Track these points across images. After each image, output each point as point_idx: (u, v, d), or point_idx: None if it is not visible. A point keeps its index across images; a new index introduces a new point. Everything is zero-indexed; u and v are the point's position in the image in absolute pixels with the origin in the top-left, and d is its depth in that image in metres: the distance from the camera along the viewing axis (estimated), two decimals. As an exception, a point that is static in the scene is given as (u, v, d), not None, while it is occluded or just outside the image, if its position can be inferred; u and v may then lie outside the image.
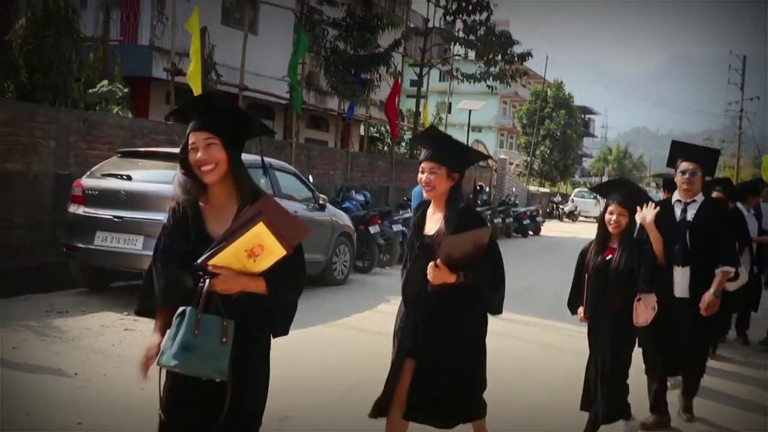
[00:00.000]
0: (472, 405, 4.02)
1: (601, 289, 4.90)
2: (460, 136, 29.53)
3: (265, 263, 2.86)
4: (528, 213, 25.65)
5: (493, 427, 4.33)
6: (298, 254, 3.00)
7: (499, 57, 23.33)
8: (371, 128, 26.46)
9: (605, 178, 60.50)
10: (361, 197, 15.55)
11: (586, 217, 37.79)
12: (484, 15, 22.90)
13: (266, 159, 10.50)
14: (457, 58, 26.21)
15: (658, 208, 5.20)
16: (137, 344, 6.80)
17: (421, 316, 3.91)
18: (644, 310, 4.81)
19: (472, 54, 24.52)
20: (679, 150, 5.74)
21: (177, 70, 13.95)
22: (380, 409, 3.99)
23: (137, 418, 4.84)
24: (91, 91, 11.47)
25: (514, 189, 31.38)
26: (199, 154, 2.90)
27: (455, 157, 3.92)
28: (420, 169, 3.92)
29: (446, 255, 3.61)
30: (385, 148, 31.00)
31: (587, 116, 73.23)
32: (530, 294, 11.60)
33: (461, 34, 23.64)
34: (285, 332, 3.20)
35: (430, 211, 4.02)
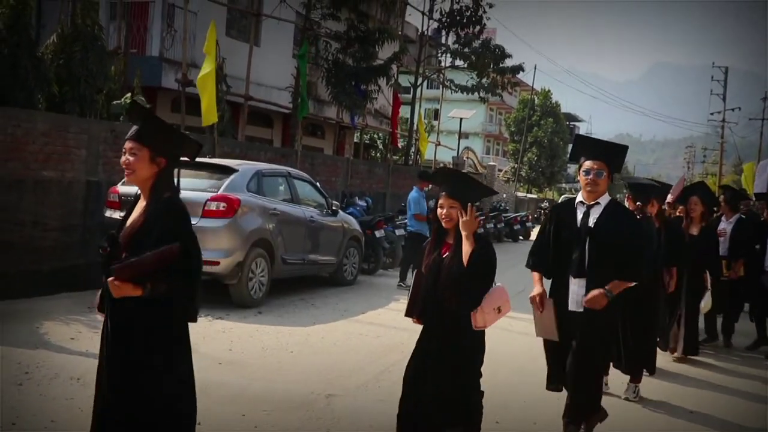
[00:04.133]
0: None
1: (434, 288, 4.42)
2: (450, 142, 30.32)
3: None
4: (518, 218, 26.52)
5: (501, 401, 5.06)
6: None
7: (491, 69, 24.15)
8: (364, 136, 27.26)
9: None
10: (363, 203, 16.27)
11: (573, 222, 38.62)
12: (477, 28, 23.74)
13: (285, 168, 11.27)
14: (448, 68, 27.00)
15: (474, 218, 4.31)
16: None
17: (110, 320, 3.51)
18: (482, 313, 4.32)
19: (462, 63, 25.34)
20: (583, 146, 5.17)
21: (188, 81, 14.63)
22: None
23: (204, 394, 5.58)
24: (115, 102, 12.13)
25: (503, 195, 32.20)
26: None
27: (161, 138, 3.55)
28: (123, 150, 3.54)
29: (128, 275, 3.27)
30: (378, 154, 31.80)
31: (572, 123, 74.35)
32: (524, 296, 12.34)
33: (454, 46, 24.47)
34: None
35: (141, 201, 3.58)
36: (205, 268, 8.77)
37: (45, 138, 9.90)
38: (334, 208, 11.45)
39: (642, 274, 5.13)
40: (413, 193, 12.59)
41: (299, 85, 17.10)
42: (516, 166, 47.54)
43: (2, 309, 8.15)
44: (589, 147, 5.13)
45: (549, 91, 50.63)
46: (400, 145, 26.37)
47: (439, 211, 4.45)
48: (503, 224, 25.05)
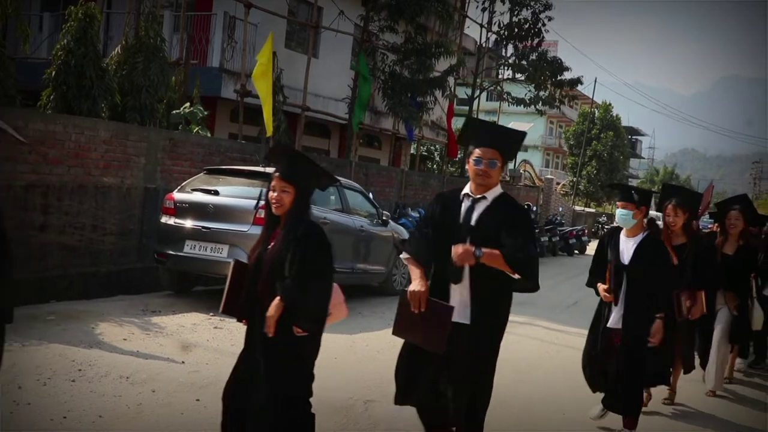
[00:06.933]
0: None
1: (255, 285, 3.99)
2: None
3: None
4: (574, 232, 26.26)
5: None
6: None
7: (549, 83, 24.09)
8: (421, 147, 27.37)
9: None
10: (416, 214, 16.38)
11: (632, 237, 38.05)
12: (536, 41, 23.73)
13: (337, 177, 11.44)
14: (506, 80, 26.99)
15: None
16: (227, 340, 7.75)
17: None
18: None
19: (520, 76, 25.33)
20: (474, 131, 4.49)
21: (246, 92, 14.99)
22: None
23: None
24: (174, 112, 12.53)
25: (560, 209, 31.94)
26: None
27: None
28: None
29: None
30: (434, 166, 31.88)
31: (634, 137, 73.29)
32: (576, 308, 12.31)
33: (512, 59, 24.50)
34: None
35: None
36: (255, 275, 9.11)
37: (106, 145, 10.29)
38: (384, 218, 11.57)
39: (530, 268, 4.13)
40: None
41: (355, 96, 17.35)
42: (574, 179, 47.05)
43: (62, 309, 8.50)
44: (481, 133, 4.43)
45: (609, 104, 50.02)
46: (458, 156, 26.41)
47: (270, 194, 4.00)
48: (558, 238, 24.87)
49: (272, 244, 3.96)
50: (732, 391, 7.75)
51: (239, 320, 4.13)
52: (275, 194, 3.95)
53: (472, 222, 4.22)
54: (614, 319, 5.68)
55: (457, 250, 4.00)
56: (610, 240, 5.90)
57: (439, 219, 4.35)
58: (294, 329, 3.86)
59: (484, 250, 4.00)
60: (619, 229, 5.90)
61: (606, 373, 5.85)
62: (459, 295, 4.22)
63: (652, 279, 5.58)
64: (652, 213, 6.26)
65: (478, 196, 4.25)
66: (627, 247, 5.75)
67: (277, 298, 3.83)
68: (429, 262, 4.34)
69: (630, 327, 5.60)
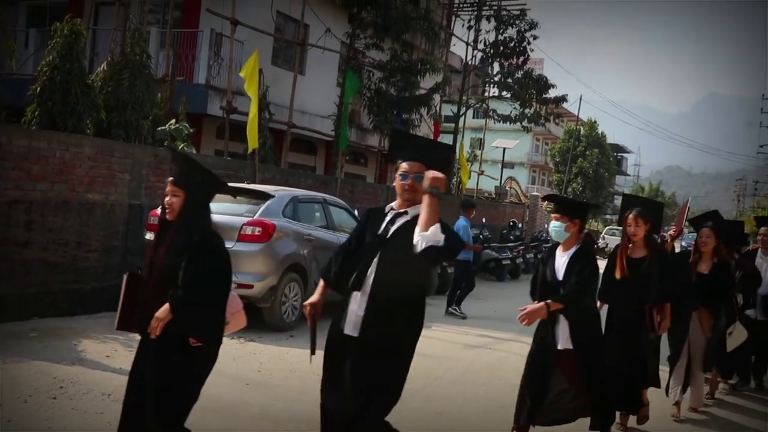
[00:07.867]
0: None
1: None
2: (493, 171, 30.48)
3: None
4: (559, 249, 26.31)
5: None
6: None
7: (535, 100, 24.32)
8: (407, 164, 27.50)
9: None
10: (401, 230, 16.36)
11: (617, 254, 38.17)
12: (521, 59, 23.95)
13: (321, 194, 11.48)
14: (492, 98, 27.18)
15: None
16: (211, 357, 7.73)
17: None
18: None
19: (506, 93, 25.55)
20: (399, 146, 4.43)
21: (233, 108, 15.02)
22: None
23: (229, 413, 5.75)
24: (160, 128, 12.53)
25: (546, 225, 32.03)
26: None
27: None
28: None
29: None
30: (420, 183, 31.99)
31: (620, 155, 73.80)
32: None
33: (498, 77, 24.72)
34: None
35: None
36: (239, 291, 9.08)
37: (91, 162, 10.26)
38: (369, 235, 11.58)
39: (450, 236, 4.01)
40: (461, 221, 12.66)
41: (341, 114, 17.43)
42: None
43: (45, 326, 8.48)
44: (406, 147, 4.32)
45: (595, 121, 50.45)
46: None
47: (165, 199, 3.98)
48: (543, 254, 24.98)
49: (161, 250, 3.92)
50: (712, 412, 7.66)
51: (139, 333, 4.10)
52: (167, 198, 3.96)
53: (388, 235, 4.10)
54: (563, 340, 5.40)
55: (430, 174, 3.94)
56: (548, 257, 5.67)
57: (362, 233, 4.29)
58: (190, 340, 3.86)
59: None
60: (557, 245, 5.67)
61: (542, 401, 5.55)
62: (355, 305, 4.08)
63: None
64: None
65: (401, 210, 4.16)
66: (561, 262, 5.52)
67: (167, 303, 3.81)
68: (336, 282, 4.31)
69: (582, 344, 5.39)
